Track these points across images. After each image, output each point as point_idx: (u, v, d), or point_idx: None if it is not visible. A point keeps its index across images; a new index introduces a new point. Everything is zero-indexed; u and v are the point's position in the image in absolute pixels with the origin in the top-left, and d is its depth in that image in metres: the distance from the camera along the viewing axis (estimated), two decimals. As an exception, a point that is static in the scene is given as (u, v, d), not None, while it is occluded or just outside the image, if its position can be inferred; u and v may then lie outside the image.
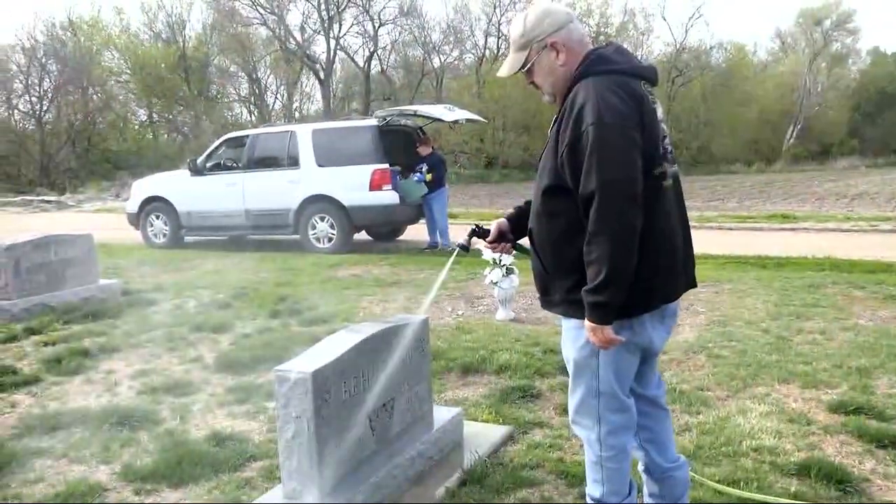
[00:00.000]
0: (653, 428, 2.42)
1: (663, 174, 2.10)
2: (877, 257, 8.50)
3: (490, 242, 2.56)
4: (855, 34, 48.64)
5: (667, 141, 2.15)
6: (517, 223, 2.50)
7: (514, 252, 2.64)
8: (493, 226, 2.55)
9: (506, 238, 2.54)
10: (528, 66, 2.20)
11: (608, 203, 1.94)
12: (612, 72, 2.09)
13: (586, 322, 2.06)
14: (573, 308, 2.14)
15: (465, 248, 2.58)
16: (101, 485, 3.03)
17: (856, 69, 50.54)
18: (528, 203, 2.45)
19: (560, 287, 2.19)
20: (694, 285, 2.31)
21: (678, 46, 43.70)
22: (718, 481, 2.85)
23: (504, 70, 2.28)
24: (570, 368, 2.30)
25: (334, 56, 40.65)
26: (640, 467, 2.49)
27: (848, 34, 48.28)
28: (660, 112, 2.15)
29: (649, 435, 2.42)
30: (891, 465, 3.03)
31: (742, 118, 43.09)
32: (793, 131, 45.50)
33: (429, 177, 9.88)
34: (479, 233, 2.59)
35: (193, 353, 4.92)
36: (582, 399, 2.27)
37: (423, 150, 10.15)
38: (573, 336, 2.22)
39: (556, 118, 2.17)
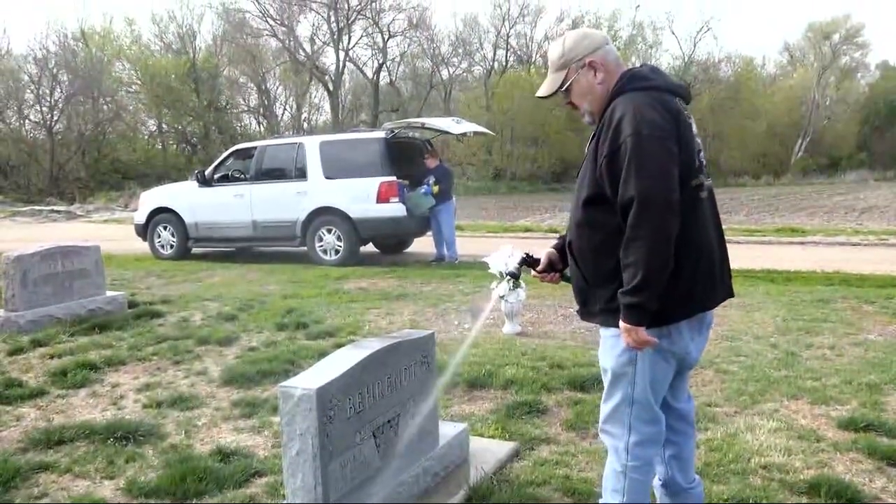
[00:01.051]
0: (679, 444, 2.44)
1: (700, 186, 2.18)
2: (886, 272, 8.44)
3: (540, 272, 2.57)
4: (864, 48, 48.67)
5: (702, 154, 2.23)
6: (564, 253, 2.51)
7: (563, 281, 2.59)
8: (543, 255, 2.56)
9: (555, 268, 2.56)
10: (567, 85, 2.28)
11: (646, 209, 2.00)
12: (648, 88, 2.17)
13: (621, 324, 2.11)
14: (613, 317, 2.18)
15: (516, 276, 2.61)
16: (105, 500, 3.02)
17: (864, 83, 50.53)
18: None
19: (600, 297, 2.24)
20: (731, 295, 2.36)
21: (686, 59, 43.82)
22: (727, 499, 2.81)
23: (543, 90, 2.35)
24: (606, 378, 2.33)
25: (343, 67, 40.97)
26: (657, 482, 2.48)
27: (857, 48, 48.31)
28: (694, 127, 2.23)
29: (675, 451, 2.43)
30: (902, 485, 2.99)
31: (750, 131, 43.07)
32: (801, 144, 45.43)
33: (436, 189, 9.88)
34: (530, 262, 2.58)
35: (199, 367, 4.91)
36: (615, 406, 2.29)
37: (431, 163, 10.16)
38: (611, 344, 2.26)
39: (594, 134, 2.24)
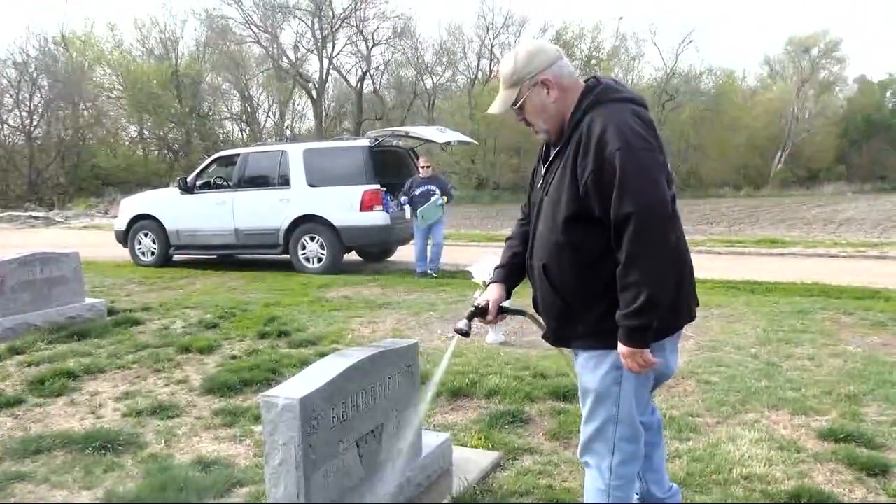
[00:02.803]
0: (650, 455, 2.42)
1: (674, 197, 2.11)
2: (864, 283, 8.55)
3: (491, 321, 2.46)
4: (842, 62, 49.49)
5: (669, 166, 2.19)
6: (510, 283, 2.47)
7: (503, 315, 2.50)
8: (490, 302, 2.43)
9: (501, 308, 2.46)
10: (520, 103, 2.20)
11: (645, 225, 1.93)
12: (622, 100, 2.12)
13: (622, 348, 2.04)
14: (600, 339, 2.12)
15: (466, 334, 2.45)
16: (83, 511, 2.97)
17: (843, 96, 51.35)
18: (513, 255, 2.45)
19: (585, 320, 2.16)
20: (698, 304, 2.34)
21: (668, 71, 44.26)
22: (709, 510, 2.83)
23: (495, 107, 2.26)
24: (587, 399, 2.27)
25: (327, 75, 40.95)
26: (635, 498, 2.47)
27: (835, 62, 49.09)
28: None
29: (647, 464, 2.42)
30: (881, 495, 3.02)
31: (730, 143, 43.60)
32: (780, 156, 46.04)
33: (445, 199, 9.67)
34: (479, 312, 2.45)
35: (180, 375, 4.86)
36: (599, 427, 2.24)
37: (426, 172, 9.79)
38: (594, 364, 2.19)
39: (558, 152, 2.17)
